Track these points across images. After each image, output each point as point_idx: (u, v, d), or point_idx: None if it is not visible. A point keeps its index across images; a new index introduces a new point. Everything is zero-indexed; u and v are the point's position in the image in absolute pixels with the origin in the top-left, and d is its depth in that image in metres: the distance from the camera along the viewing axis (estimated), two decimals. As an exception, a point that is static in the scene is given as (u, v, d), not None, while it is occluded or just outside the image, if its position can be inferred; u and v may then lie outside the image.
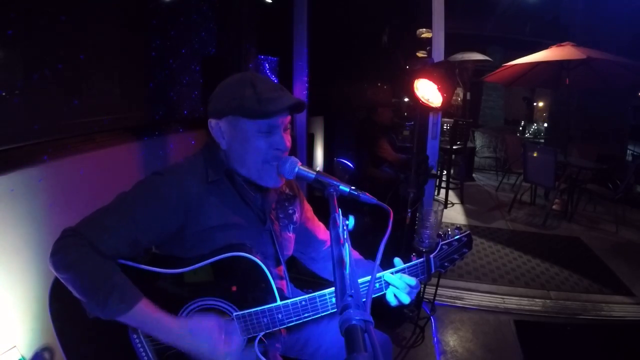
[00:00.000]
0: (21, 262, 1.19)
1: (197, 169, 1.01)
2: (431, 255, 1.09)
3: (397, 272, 1.04)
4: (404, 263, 1.07)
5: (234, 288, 0.96)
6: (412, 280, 1.02)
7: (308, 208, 1.27)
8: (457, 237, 1.12)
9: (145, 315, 0.86)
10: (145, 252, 0.97)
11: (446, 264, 1.12)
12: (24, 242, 1.19)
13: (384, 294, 1.03)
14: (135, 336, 0.95)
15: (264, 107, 0.95)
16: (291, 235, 1.17)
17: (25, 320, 1.22)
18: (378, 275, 1.02)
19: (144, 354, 0.96)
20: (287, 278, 1.16)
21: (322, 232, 1.27)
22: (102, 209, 0.90)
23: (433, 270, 1.10)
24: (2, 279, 1.15)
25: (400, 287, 1.01)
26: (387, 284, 1.03)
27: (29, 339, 1.23)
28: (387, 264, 1.06)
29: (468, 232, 1.14)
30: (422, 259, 1.07)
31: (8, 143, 1.20)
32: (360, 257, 1.22)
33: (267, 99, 0.96)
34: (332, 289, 0.96)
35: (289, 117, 1.03)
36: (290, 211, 1.18)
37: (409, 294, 1.01)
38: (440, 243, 1.11)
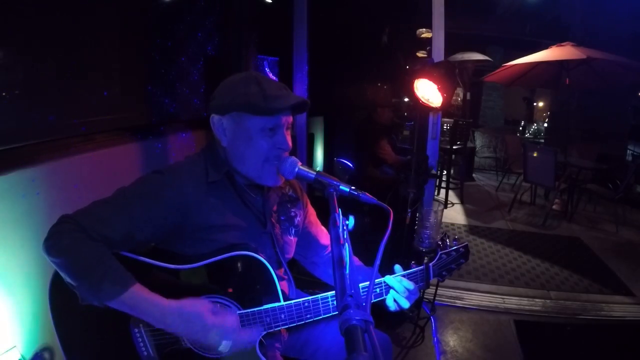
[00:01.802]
0: (21, 262, 1.19)
1: (198, 169, 1.01)
2: (430, 264, 1.11)
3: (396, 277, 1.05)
4: (404, 270, 1.08)
5: (239, 287, 0.96)
6: (411, 285, 1.03)
7: (312, 212, 1.27)
8: (455, 247, 1.15)
9: (139, 298, 0.84)
10: (144, 246, 0.97)
11: (444, 273, 1.14)
12: (23, 242, 1.19)
13: (384, 299, 1.04)
14: (136, 330, 0.95)
15: (270, 104, 0.95)
16: (292, 238, 1.17)
17: (25, 320, 1.22)
18: (378, 280, 1.03)
19: (144, 349, 0.96)
20: (291, 279, 1.16)
21: (324, 237, 1.26)
22: (100, 201, 0.91)
23: (432, 278, 1.12)
24: (2, 279, 1.15)
25: (399, 291, 1.01)
26: (387, 290, 1.03)
27: (29, 339, 1.23)
28: (387, 270, 1.06)
29: (466, 243, 1.17)
30: (421, 267, 1.09)
31: (8, 143, 1.20)
32: (361, 263, 1.22)
33: (272, 96, 0.96)
34: (334, 291, 0.96)
35: (291, 118, 1.04)
36: (292, 213, 1.18)
37: (407, 298, 1.02)
38: (440, 252, 1.13)
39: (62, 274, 0.83)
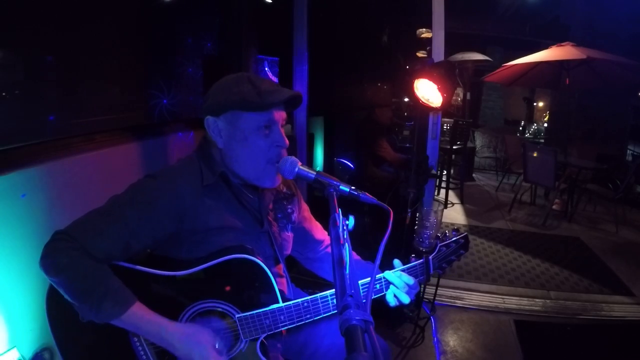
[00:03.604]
0: (21, 262, 1.19)
1: (192, 172, 1.00)
2: (430, 257, 1.10)
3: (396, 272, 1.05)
4: (404, 264, 1.07)
5: (237, 290, 0.96)
6: (411, 280, 1.03)
7: (305, 207, 1.27)
8: (455, 238, 1.14)
9: (139, 318, 0.86)
10: (140, 254, 0.97)
11: (444, 265, 1.13)
12: (23, 242, 1.19)
13: (384, 295, 1.04)
14: (135, 338, 0.95)
15: (264, 98, 0.96)
16: (289, 234, 1.17)
17: (25, 321, 1.22)
18: (378, 276, 1.03)
19: (143, 355, 0.95)
20: (288, 277, 1.15)
21: (319, 231, 1.27)
22: (94, 212, 0.89)
23: (432, 272, 1.10)
24: (2, 279, 1.15)
25: (399, 286, 1.01)
26: (387, 285, 1.03)
27: (28, 339, 1.23)
28: (386, 265, 1.06)
29: (465, 233, 1.15)
30: (421, 260, 1.08)
31: (8, 143, 1.20)
32: (359, 257, 1.22)
33: (266, 91, 0.97)
34: (334, 290, 0.96)
35: (285, 114, 1.04)
36: (289, 210, 1.18)
37: (407, 293, 1.02)
38: (439, 245, 1.12)
39: (62, 292, 0.83)
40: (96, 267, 0.84)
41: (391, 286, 1.02)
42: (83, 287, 0.82)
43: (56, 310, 0.92)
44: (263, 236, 1.08)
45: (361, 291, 0.91)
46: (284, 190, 1.20)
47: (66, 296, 0.83)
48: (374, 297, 1.03)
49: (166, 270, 0.93)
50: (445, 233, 1.15)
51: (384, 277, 1.03)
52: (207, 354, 0.88)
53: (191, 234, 0.96)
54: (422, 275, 1.08)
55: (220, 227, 0.99)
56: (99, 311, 0.82)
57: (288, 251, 1.17)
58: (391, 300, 1.03)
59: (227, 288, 0.96)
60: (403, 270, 1.05)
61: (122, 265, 0.90)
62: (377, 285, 1.03)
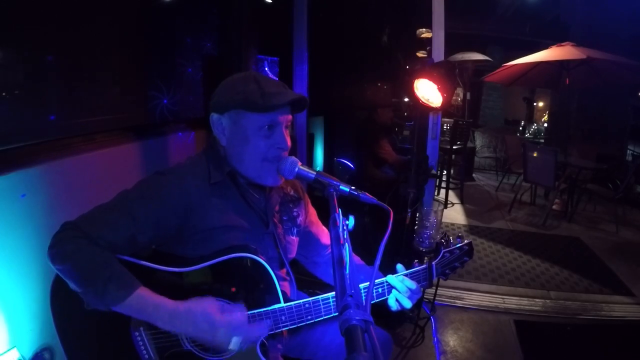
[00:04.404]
0: (21, 262, 1.19)
1: (200, 170, 1.01)
2: (433, 262, 1.09)
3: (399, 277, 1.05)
4: (406, 269, 1.07)
5: (239, 289, 0.96)
6: (413, 285, 1.03)
7: (312, 212, 1.27)
8: (459, 245, 1.13)
9: (145, 301, 0.85)
10: (146, 249, 0.97)
11: (447, 271, 1.13)
12: (24, 242, 1.19)
13: (386, 299, 1.03)
14: (137, 333, 0.95)
15: (267, 100, 0.96)
16: (294, 238, 1.17)
17: (25, 321, 1.22)
18: (381, 280, 1.03)
19: (145, 352, 0.95)
20: (293, 280, 1.16)
21: (325, 236, 1.26)
22: (103, 205, 0.91)
23: (435, 277, 1.11)
24: (2, 279, 1.15)
25: (401, 291, 1.01)
26: (390, 289, 1.03)
27: (28, 339, 1.23)
28: (389, 269, 1.06)
29: (470, 241, 1.15)
30: (424, 266, 1.08)
31: (8, 143, 1.20)
32: (362, 262, 1.21)
33: (270, 92, 0.97)
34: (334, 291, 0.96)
35: (290, 116, 1.04)
36: (295, 213, 1.18)
37: (409, 298, 1.02)
38: (443, 251, 1.11)
39: (68, 281, 0.83)
40: (101, 253, 0.84)
41: (393, 290, 1.02)
42: (88, 272, 0.81)
43: (59, 306, 0.92)
44: (268, 237, 1.08)
45: (362, 292, 0.91)
46: (291, 193, 1.20)
47: (71, 284, 0.82)
48: (376, 300, 1.03)
49: (170, 267, 0.94)
50: (450, 239, 1.14)
51: (386, 281, 1.03)
52: (214, 321, 0.84)
53: (196, 231, 0.97)
54: (425, 281, 1.08)
55: (226, 225, 0.99)
56: (104, 295, 0.81)
57: (292, 254, 1.17)
58: (393, 305, 1.03)
59: (230, 286, 0.96)
60: (406, 275, 1.05)
61: (127, 259, 0.91)
62: (380, 289, 1.03)
